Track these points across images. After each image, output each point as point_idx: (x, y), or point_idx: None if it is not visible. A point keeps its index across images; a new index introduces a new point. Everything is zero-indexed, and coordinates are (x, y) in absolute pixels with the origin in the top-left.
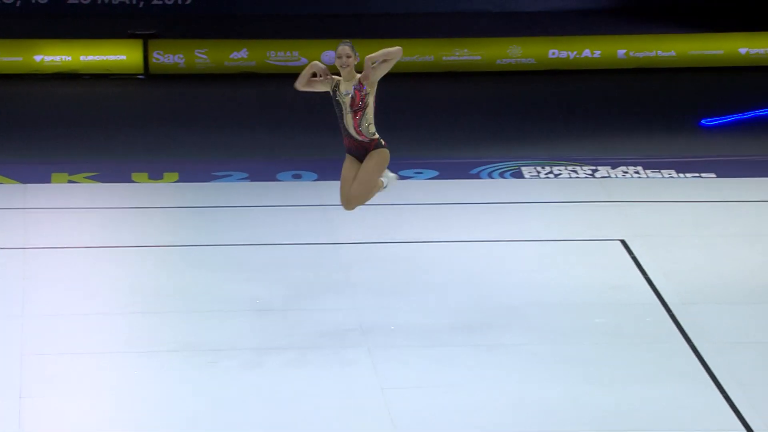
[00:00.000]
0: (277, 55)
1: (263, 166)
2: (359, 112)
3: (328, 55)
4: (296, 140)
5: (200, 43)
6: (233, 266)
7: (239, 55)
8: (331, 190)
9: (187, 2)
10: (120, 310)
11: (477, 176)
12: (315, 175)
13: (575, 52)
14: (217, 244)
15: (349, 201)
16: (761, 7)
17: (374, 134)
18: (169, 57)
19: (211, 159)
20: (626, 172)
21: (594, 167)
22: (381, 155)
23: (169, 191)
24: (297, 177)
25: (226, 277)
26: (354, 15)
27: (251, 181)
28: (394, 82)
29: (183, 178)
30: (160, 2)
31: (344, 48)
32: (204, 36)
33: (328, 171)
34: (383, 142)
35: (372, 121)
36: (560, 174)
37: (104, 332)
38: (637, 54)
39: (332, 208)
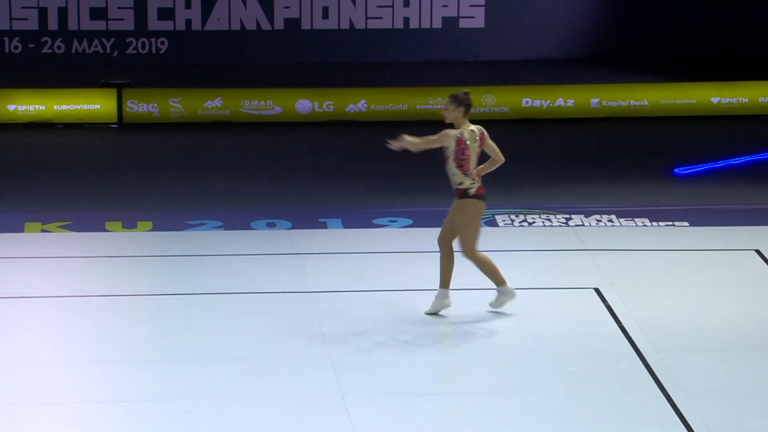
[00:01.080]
0: (251, 103)
1: (237, 215)
2: (444, 163)
3: (302, 103)
4: (270, 189)
5: (174, 92)
6: (207, 315)
7: (213, 104)
8: (305, 238)
9: (161, 51)
10: (92, 359)
11: None
12: (289, 224)
13: (549, 101)
14: (191, 292)
15: (445, 245)
16: (732, 58)
17: (460, 184)
18: (143, 106)
19: (185, 208)
20: (600, 221)
21: (568, 215)
22: (464, 209)
23: (143, 240)
24: (271, 225)
25: (201, 326)
26: (329, 64)
27: (225, 229)
28: (367, 130)
29: (157, 227)
30: (134, 51)
31: (445, 99)
32: (178, 85)
33: (302, 220)
34: (471, 192)
35: (456, 173)
36: (534, 222)
37: (76, 382)
38: (610, 103)
39: (306, 257)
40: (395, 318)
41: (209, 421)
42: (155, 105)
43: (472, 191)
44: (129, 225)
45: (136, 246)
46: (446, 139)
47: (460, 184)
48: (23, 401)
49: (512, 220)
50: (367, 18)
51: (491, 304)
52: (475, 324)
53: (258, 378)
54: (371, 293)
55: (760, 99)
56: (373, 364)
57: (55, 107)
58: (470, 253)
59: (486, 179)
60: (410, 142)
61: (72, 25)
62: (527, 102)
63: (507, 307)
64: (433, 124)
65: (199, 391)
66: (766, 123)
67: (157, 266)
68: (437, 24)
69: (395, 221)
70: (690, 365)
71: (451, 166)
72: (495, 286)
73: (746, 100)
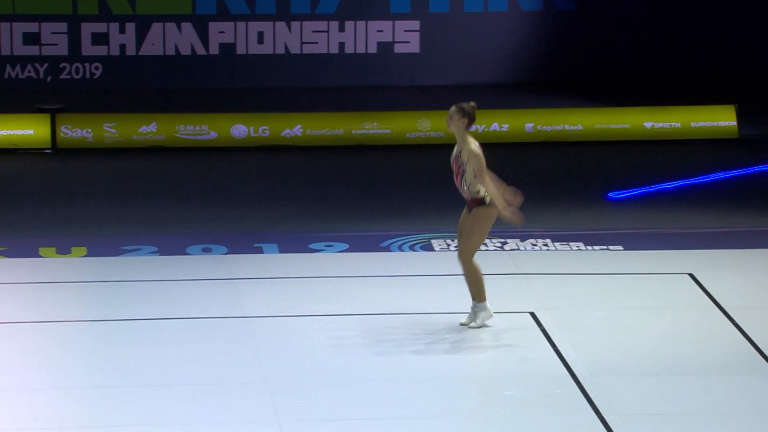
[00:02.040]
0: (186, 128)
1: (173, 240)
2: (458, 176)
3: (238, 128)
4: (206, 214)
5: (109, 117)
6: (142, 341)
7: (148, 129)
8: (241, 263)
9: (96, 76)
10: (24, 387)
11: (387, 249)
12: (225, 249)
13: (483, 126)
14: (126, 318)
15: (458, 255)
16: (665, 83)
17: (477, 192)
18: (78, 131)
19: (120, 233)
20: (535, 245)
21: (503, 240)
22: (478, 215)
23: (77, 266)
24: (207, 251)
25: (136, 352)
26: (264, 89)
27: (161, 255)
28: (304, 155)
29: (92, 253)
30: (68, 76)
31: (451, 108)
32: (112, 110)
33: (238, 245)
34: (488, 200)
35: (473, 182)
36: None
37: (9, 410)
38: (545, 127)
39: (242, 282)
40: (332, 343)
41: None
42: (89, 130)
43: (488, 199)
44: (63, 251)
45: (70, 272)
46: (479, 157)
47: (478, 192)
48: None
49: (448, 245)
50: (302, 43)
51: (470, 325)
52: (412, 349)
53: (194, 404)
54: (308, 318)
55: (692, 124)
56: (311, 389)
57: None
58: (468, 258)
59: (423, 202)
60: (505, 207)
61: (5, 50)
62: None
63: (443, 332)
64: (368, 149)
65: (134, 418)
66: (699, 147)
67: (91, 292)
68: (372, 49)
69: (331, 246)
70: (625, 389)
71: (469, 176)
72: (472, 303)
73: (679, 125)
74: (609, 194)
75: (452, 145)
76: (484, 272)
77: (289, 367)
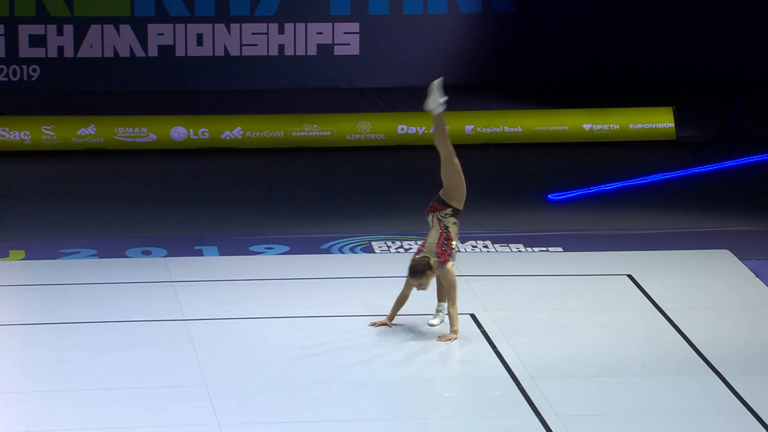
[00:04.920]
0: (125, 131)
1: (112, 243)
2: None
3: (177, 130)
4: (146, 217)
5: (47, 120)
6: (80, 344)
7: (87, 132)
8: (181, 266)
9: (33, 79)
10: None
11: (328, 251)
12: (165, 251)
13: (424, 128)
14: (64, 321)
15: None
16: (604, 84)
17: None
18: (15, 134)
19: (59, 236)
20: (475, 246)
21: None
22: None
23: (14, 269)
24: (147, 253)
25: (73, 356)
26: (204, 91)
27: (100, 257)
28: (244, 157)
29: (30, 256)
30: (5, 78)
31: (412, 277)
32: (51, 112)
33: (178, 248)
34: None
35: (435, 262)
36: (410, 248)
37: None
38: (485, 129)
39: (181, 284)
40: (272, 345)
41: None
42: (27, 133)
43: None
44: (1, 254)
45: (7, 275)
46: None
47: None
48: None
49: (388, 247)
50: (242, 45)
51: (432, 323)
52: (352, 351)
53: (134, 408)
54: (247, 320)
55: (630, 126)
56: (250, 392)
57: None
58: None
59: (363, 205)
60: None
61: None
62: (402, 129)
63: (382, 335)
64: (308, 151)
65: (72, 422)
66: (637, 150)
67: (29, 295)
68: (312, 51)
69: (272, 248)
70: (565, 390)
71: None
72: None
73: (617, 126)
74: (548, 196)
75: (393, 147)
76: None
77: (229, 370)
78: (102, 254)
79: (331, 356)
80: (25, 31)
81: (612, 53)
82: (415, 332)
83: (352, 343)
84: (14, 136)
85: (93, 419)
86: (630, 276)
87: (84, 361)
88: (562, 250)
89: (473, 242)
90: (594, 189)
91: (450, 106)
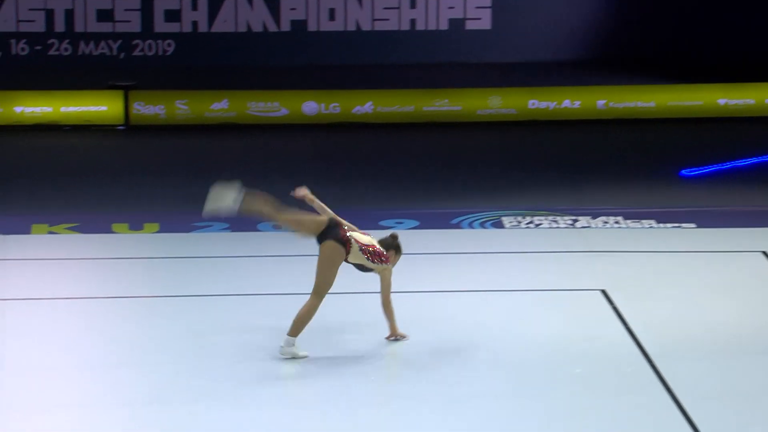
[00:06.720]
0: (257, 105)
1: (244, 218)
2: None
3: (309, 105)
4: (277, 190)
5: (181, 94)
6: (213, 317)
7: (220, 106)
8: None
9: (168, 53)
10: (97, 362)
11: (458, 226)
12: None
13: (555, 103)
14: (196, 294)
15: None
16: (740, 60)
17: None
18: (150, 108)
19: (192, 210)
20: (606, 222)
21: (574, 217)
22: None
23: (149, 242)
24: (277, 227)
25: (207, 328)
26: (335, 66)
27: (232, 231)
28: (375, 132)
29: (163, 229)
30: (141, 53)
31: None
32: (185, 87)
33: None
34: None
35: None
36: (541, 224)
37: (78, 386)
38: (617, 104)
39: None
40: (402, 319)
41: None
42: (162, 107)
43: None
44: (136, 227)
45: (142, 248)
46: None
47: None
48: (23, 406)
49: (518, 222)
50: (373, 20)
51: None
52: (480, 327)
53: (262, 376)
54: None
55: (766, 101)
56: (382, 363)
57: (61, 109)
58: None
59: (493, 180)
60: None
61: (79, 27)
62: (533, 104)
63: (511, 309)
64: (440, 125)
65: (202, 389)
66: None
67: (163, 268)
68: (444, 26)
69: (401, 222)
70: (697, 368)
71: (375, 266)
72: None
73: (753, 101)
74: (682, 171)
75: (524, 122)
76: (554, 250)
77: (359, 342)
78: (234, 228)
79: (462, 330)
80: (160, 6)
81: (748, 27)
82: (541, 309)
83: (481, 320)
84: (149, 110)
85: (223, 383)
86: (765, 253)
87: (217, 333)
88: (695, 226)
89: (604, 218)
90: (728, 165)
91: (581, 80)
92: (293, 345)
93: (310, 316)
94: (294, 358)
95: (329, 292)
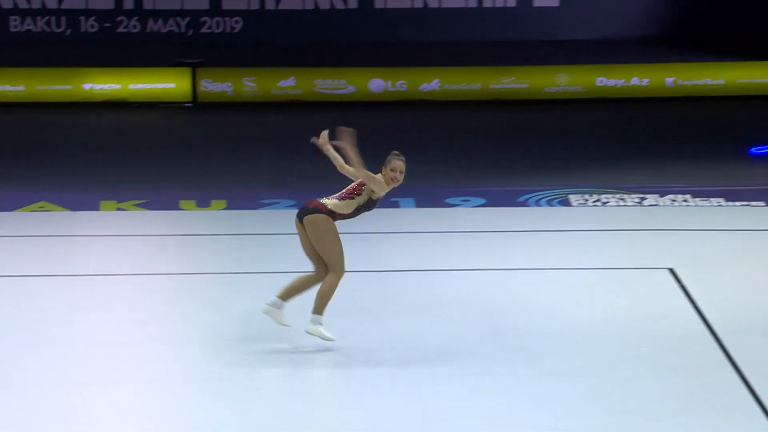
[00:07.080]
0: (324, 82)
1: (311, 195)
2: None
3: (376, 83)
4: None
5: (248, 72)
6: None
7: (287, 83)
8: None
9: (236, 31)
10: (167, 338)
11: (524, 204)
12: None
13: (623, 80)
14: (265, 271)
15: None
16: None
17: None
18: (218, 85)
19: (259, 187)
20: (674, 200)
21: (642, 195)
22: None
23: (217, 219)
24: None
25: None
26: (402, 43)
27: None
28: (441, 109)
29: (231, 206)
30: (209, 31)
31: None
32: (252, 64)
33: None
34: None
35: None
36: (608, 202)
37: (146, 361)
38: (686, 82)
39: (378, 236)
40: (469, 296)
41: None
42: (229, 84)
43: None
44: (203, 204)
45: (210, 225)
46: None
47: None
48: (95, 380)
49: (586, 200)
50: None
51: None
52: (548, 304)
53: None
54: (445, 272)
55: None
56: (443, 341)
57: (130, 86)
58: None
59: (560, 158)
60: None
61: (147, 5)
62: (601, 81)
63: (577, 287)
64: (507, 103)
65: (266, 364)
66: None
67: (230, 245)
68: (511, 2)
69: (468, 200)
70: (765, 347)
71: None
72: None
73: None
74: (751, 149)
75: (591, 100)
76: (622, 228)
77: (421, 324)
78: (301, 205)
79: (531, 308)
80: None
81: None
82: (609, 287)
83: (549, 295)
84: (216, 88)
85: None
86: None
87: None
88: (764, 204)
89: (672, 196)
90: None
91: (650, 57)
92: (320, 323)
93: (332, 291)
94: (320, 337)
95: (346, 270)
